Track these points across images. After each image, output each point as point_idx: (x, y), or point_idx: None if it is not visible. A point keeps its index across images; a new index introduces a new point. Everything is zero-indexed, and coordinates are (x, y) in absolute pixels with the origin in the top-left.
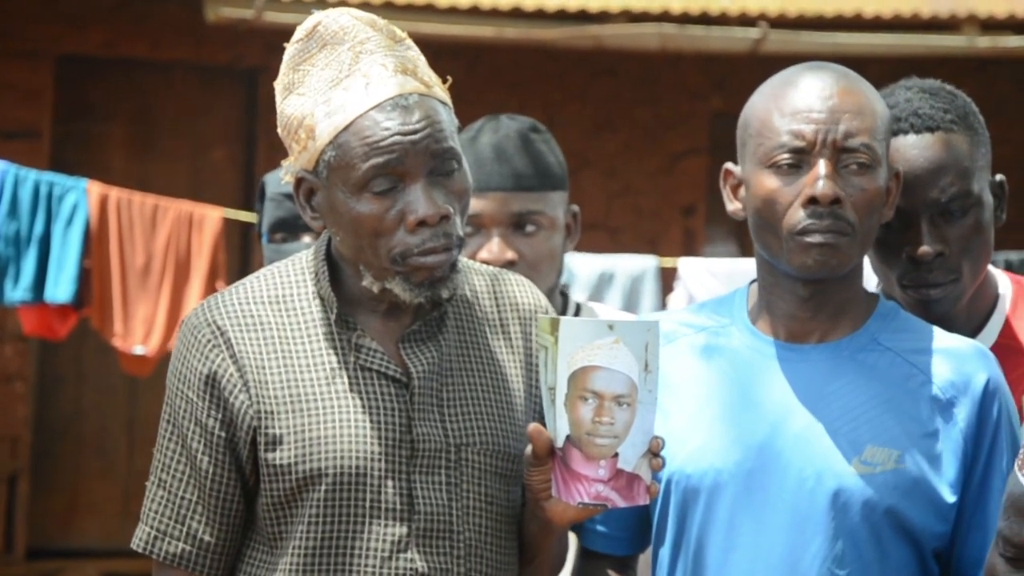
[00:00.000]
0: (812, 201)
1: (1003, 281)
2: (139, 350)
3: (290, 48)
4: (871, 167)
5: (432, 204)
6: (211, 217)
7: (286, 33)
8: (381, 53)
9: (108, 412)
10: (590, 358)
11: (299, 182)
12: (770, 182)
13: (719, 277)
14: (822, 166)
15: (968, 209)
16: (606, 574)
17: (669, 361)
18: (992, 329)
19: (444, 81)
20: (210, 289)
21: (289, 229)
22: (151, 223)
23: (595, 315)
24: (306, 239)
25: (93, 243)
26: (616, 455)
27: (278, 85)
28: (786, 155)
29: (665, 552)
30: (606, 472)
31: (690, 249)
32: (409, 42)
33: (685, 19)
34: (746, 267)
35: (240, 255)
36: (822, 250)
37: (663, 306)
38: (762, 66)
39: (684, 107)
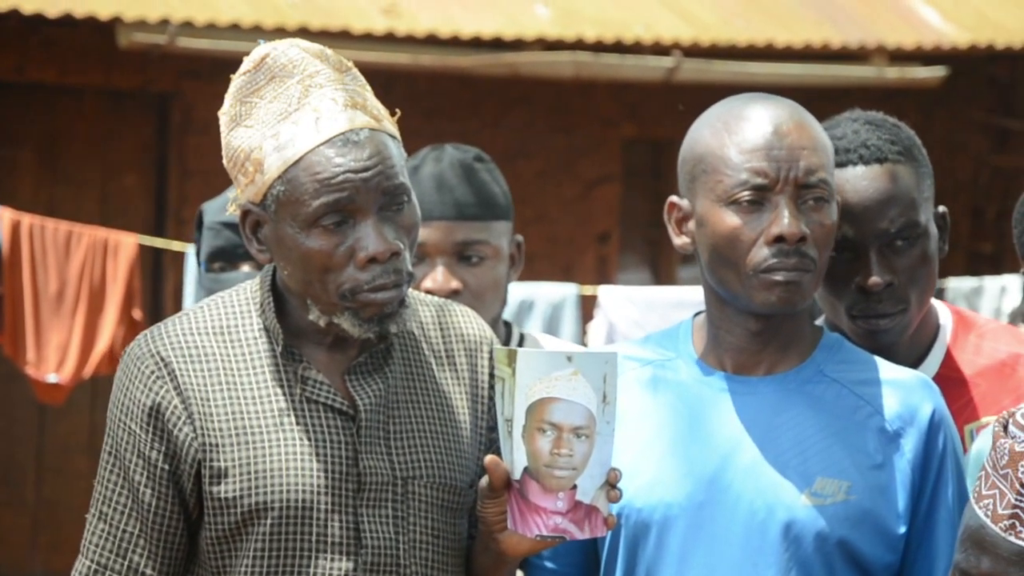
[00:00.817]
0: (778, 240)
1: (943, 312)
2: (52, 378)
3: (237, 79)
4: (828, 201)
5: (383, 241)
6: (126, 243)
7: (199, 59)
8: (331, 87)
9: (16, 441)
10: (548, 390)
11: (245, 214)
12: (731, 220)
13: (638, 305)
14: (784, 203)
15: (916, 240)
16: None
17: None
18: (934, 360)
19: (392, 113)
20: (126, 316)
21: (227, 258)
22: (65, 250)
23: (540, 346)
24: (245, 268)
25: (5, 270)
26: (575, 487)
27: (223, 116)
28: (747, 192)
29: None
30: (564, 504)
31: (604, 276)
32: (355, 72)
33: (600, 48)
34: (665, 295)
35: (152, 282)
36: (787, 288)
37: (583, 334)
38: (674, 94)
39: (597, 135)
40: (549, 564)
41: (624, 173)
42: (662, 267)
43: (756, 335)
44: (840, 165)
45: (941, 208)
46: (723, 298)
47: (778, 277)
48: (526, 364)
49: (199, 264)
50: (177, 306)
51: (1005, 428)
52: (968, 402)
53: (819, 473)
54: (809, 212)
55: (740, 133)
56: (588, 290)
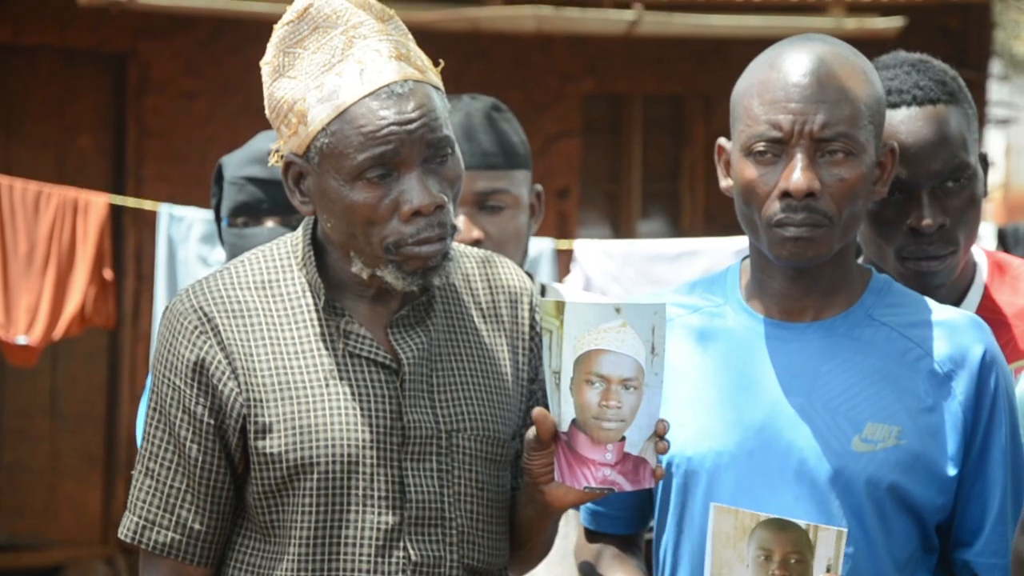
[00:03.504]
0: (786, 194)
1: (977, 253)
2: (22, 340)
3: (279, 29)
4: (851, 155)
5: (427, 194)
6: (96, 203)
7: (155, 17)
8: (375, 38)
9: None
10: (597, 342)
11: (288, 166)
12: (749, 171)
13: (615, 258)
14: (798, 157)
15: (966, 181)
16: (610, 553)
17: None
18: (972, 300)
19: (436, 64)
20: (96, 277)
21: (251, 213)
22: (34, 210)
23: (560, 296)
24: (269, 224)
25: None
26: (623, 439)
27: (265, 66)
28: (763, 144)
29: (669, 536)
30: (613, 456)
31: (564, 232)
32: (398, 21)
33: (561, 1)
34: (642, 248)
35: (112, 241)
36: (797, 243)
37: None
38: (634, 48)
39: (556, 90)
40: (602, 509)
41: (584, 128)
42: (622, 222)
43: (796, 281)
44: (892, 106)
45: (983, 151)
46: (758, 246)
47: (787, 233)
48: (574, 316)
49: (220, 219)
50: (139, 266)
51: None
52: (1009, 341)
53: (869, 418)
54: (828, 166)
55: (766, 83)
56: (563, 244)
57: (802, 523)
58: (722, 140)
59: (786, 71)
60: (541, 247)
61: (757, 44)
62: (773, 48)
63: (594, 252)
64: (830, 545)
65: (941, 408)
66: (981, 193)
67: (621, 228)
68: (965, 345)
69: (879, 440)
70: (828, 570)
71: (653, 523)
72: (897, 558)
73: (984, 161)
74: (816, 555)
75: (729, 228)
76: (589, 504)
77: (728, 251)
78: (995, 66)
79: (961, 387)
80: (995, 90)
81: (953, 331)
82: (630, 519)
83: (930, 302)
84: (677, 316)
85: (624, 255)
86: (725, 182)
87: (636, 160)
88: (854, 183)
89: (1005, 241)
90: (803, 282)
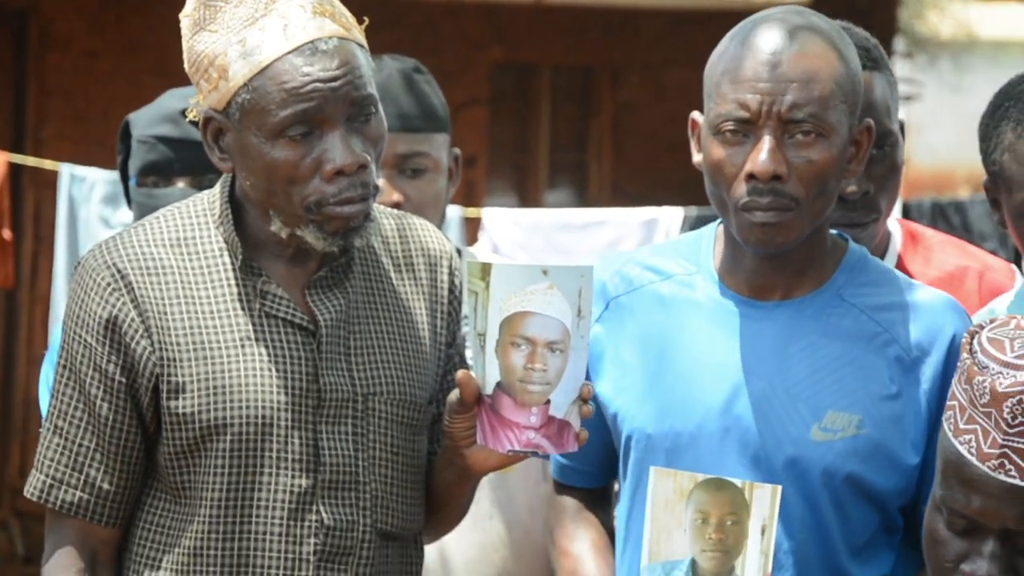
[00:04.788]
0: (753, 176)
1: (891, 221)
2: None
3: None
4: (820, 136)
5: (350, 153)
6: None
7: None
8: None
9: None
10: (523, 304)
11: (207, 121)
12: (717, 151)
13: (522, 227)
14: (766, 139)
15: (889, 149)
16: (576, 507)
17: (633, 310)
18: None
19: (360, 22)
20: None
21: (161, 173)
22: None
23: (474, 259)
24: (180, 184)
25: None
26: (548, 402)
27: (185, 19)
28: (731, 124)
29: (623, 508)
30: (537, 419)
31: (471, 201)
32: None
33: None
34: (550, 218)
35: (11, 201)
36: (764, 229)
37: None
38: (543, 17)
39: (464, 58)
40: (570, 463)
41: (491, 97)
42: (529, 192)
43: (767, 260)
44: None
45: (902, 118)
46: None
47: (755, 218)
48: (501, 277)
49: (128, 178)
50: (39, 227)
51: (971, 351)
52: None
53: (830, 406)
54: (796, 147)
55: (736, 60)
56: (471, 212)
57: (738, 482)
58: (695, 114)
59: (756, 49)
60: (449, 215)
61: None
62: (747, 22)
63: (502, 220)
64: (765, 503)
65: (906, 396)
66: (902, 161)
67: (528, 198)
68: (936, 329)
69: (838, 429)
70: (763, 531)
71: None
72: (853, 543)
73: (902, 129)
74: (751, 514)
75: (636, 199)
76: (558, 457)
77: (636, 222)
78: (899, 44)
79: (928, 373)
80: (899, 67)
81: (925, 314)
82: (598, 473)
83: (905, 281)
84: (649, 282)
85: (532, 224)
86: (697, 157)
87: (544, 130)
88: (823, 165)
89: (910, 215)
90: (774, 261)
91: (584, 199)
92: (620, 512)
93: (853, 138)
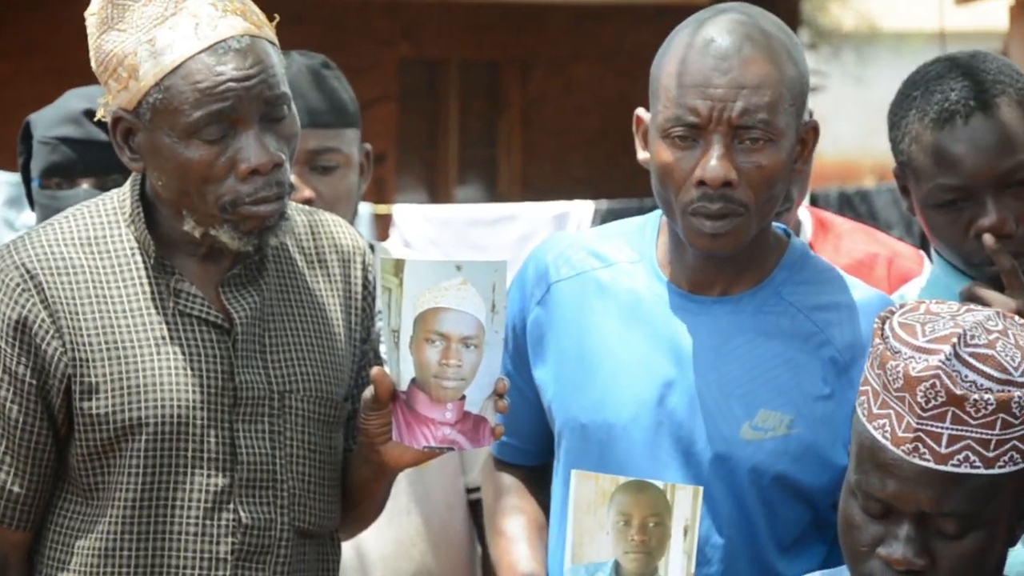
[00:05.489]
0: (702, 183)
1: (802, 212)
2: None
3: None
4: (770, 141)
5: (265, 152)
6: None
7: None
8: None
9: None
10: (437, 299)
11: (116, 121)
12: (665, 154)
13: (434, 223)
14: (715, 145)
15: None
16: (515, 485)
17: (572, 297)
18: None
19: (269, 19)
20: None
21: (65, 175)
22: None
23: (387, 255)
24: (84, 185)
25: None
26: (463, 398)
27: (92, 17)
28: (679, 129)
29: (557, 490)
30: (453, 415)
31: (381, 198)
32: None
33: None
34: (461, 213)
35: None
36: (714, 239)
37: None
38: (450, 13)
39: (372, 54)
40: (508, 440)
41: (400, 94)
42: (439, 188)
43: (710, 259)
44: None
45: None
46: None
47: (705, 227)
48: (414, 274)
49: (31, 180)
50: None
51: (883, 336)
52: None
53: (762, 405)
54: (746, 153)
55: (684, 62)
56: (382, 209)
57: (660, 483)
58: (640, 111)
59: (706, 53)
60: (359, 211)
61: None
62: (695, 22)
63: (413, 216)
64: (687, 504)
65: (838, 397)
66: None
67: (438, 194)
68: (870, 332)
69: (769, 428)
70: (685, 532)
71: None
72: (781, 540)
73: (810, 117)
74: (674, 516)
75: (545, 193)
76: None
77: (546, 216)
78: (803, 36)
79: (861, 376)
80: None
81: (861, 316)
82: (537, 452)
83: (845, 280)
84: (591, 268)
85: (443, 220)
86: (642, 155)
87: (453, 126)
88: (772, 170)
89: (817, 205)
90: (716, 258)
91: (494, 194)
92: (554, 495)
93: (799, 137)
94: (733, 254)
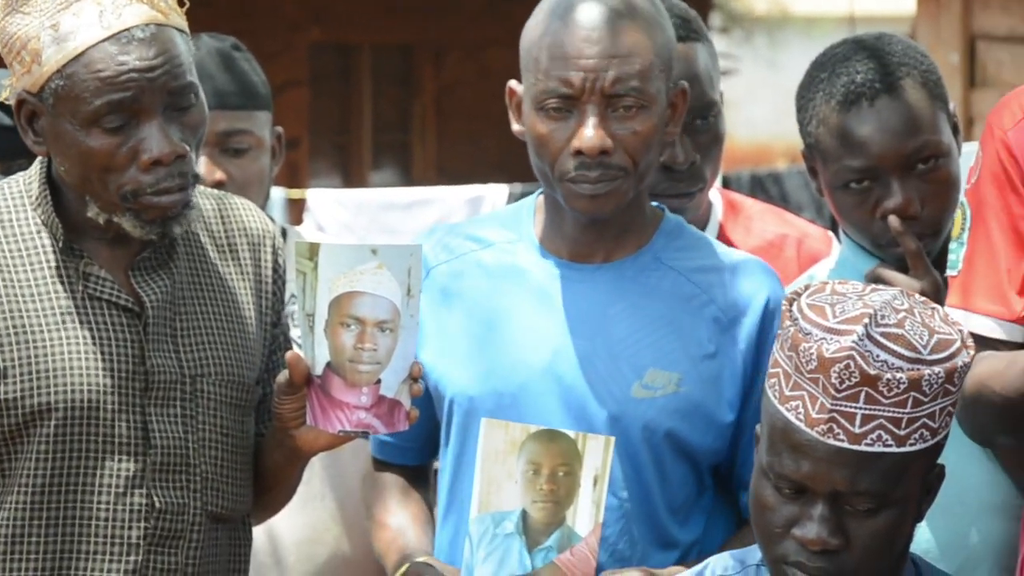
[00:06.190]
0: (580, 152)
1: (712, 191)
2: None
3: None
4: (643, 108)
5: (168, 143)
6: None
7: None
8: None
9: None
10: (352, 283)
11: (20, 104)
12: (540, 126)
13: (348, 207)
14: (590, 115)
15: (713, 119)
16: (395, 489)
17: (452, 278)
18: (708, 235)
19: (181, 5)
20: None
21: None
22: None
23: (302, 239)
24: None
25: None
26: (378, 381)
27: None
28: (554, 100)
29: (446, 474)
30: (368, 399)
31: (295, 183)
32: None
33: None
34: (375, 197)
35: None
36: (594, 200)
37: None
38: None
39: (283, 39)
40: (391, 440)
41: (311, 78)
42: (353, 172)
43: (589, 226)
44: (680, 39)
45: (720, 89)
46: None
47: (583, 190)
48: (329, 257)
49: None
50: None
51: (792, 318)
52: None
53: (651, 364)
54: (620, 120)
55: (554, 35)
56: (295, 193)
57: (571, 433)
58: (513, 83)
59: (576, 24)
60: (272, 196)
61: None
62: None
63: (327, 201)
64: (598, 454)
65: (722, 355)
66: (723, 131)
67: (352, 178)
68: (750, 292)
69: (659, 387)
70: (595, 481)
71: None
72: (672, 503)
73: (721, 99)
74: (584, 465)
75: (460, 177)
76: (378, 436)
77: (461, 200)
78: (715, 19)
79: (743, 334)
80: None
81: (739, 277)
82: (418, 450)
83: (719, 246)
84: (470, 251)
85: (357, 204)
86: (517, 126)
87: (366, 110)
88: (647, 134)
89: (729, 187)
90: (595, 227)
91: (409, 179)
92: (443, 480)
93: (670, 101)
94: (612, 215)
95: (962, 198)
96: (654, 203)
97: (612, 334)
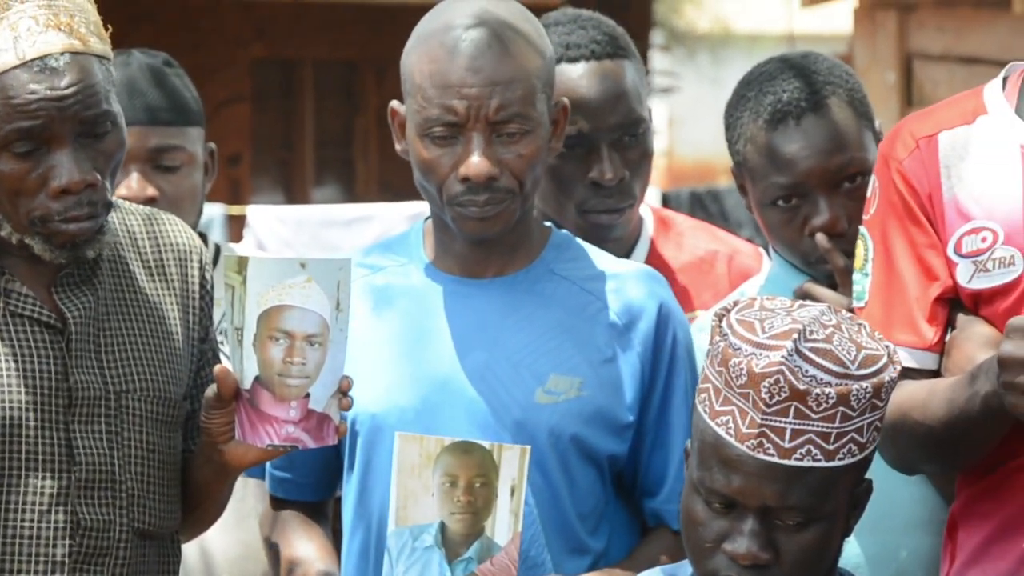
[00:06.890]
0: (467, 179)
1: (642, 207)
2: None
3: None
4: (527, 132)
5: (77, 171)
6: None
7: None
8: (33, 3)
9: None
10: (281, 297)
11: None
12: (425, 152)
13: (288, 224)
14: (475, 142)
15: (641, 135)
16: (295, 520)
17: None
18: (639, 253)
19: (110, 21)
20: None
21: None
22: None
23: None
24: None
25: None
26: (307, 395)
27: None
28: (439, 128)
29: (353, 496)
30: (297, 413)
31: (236, 199)
32: None
33: None
34: (315, 214)
35: None
36: (483, 223)
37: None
38: (305, 13)
39: (225, 54)
40: (288, 476)
41: (254, 94)
42: (295, 189)
43: (479, 244)
44: (570, 60)
45: (660, 109)
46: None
47: (471, 213)
48: (258, 271)
49: None
50: None
51: (722, 334)
52: (675, 295)
53: (552, 371)
54: (505, 145)
55: (436, 62)
56: (235, 210)
57: (486, 444)
58: (395, 104)
59: (457, 52)
60: (212, 213)
61: (428, 10)
62: (440, 14)
63: (267, 218)
64: (514, 464)
65: (620, 359)
66: (652, 147)
67: (295, 195)
68: (641, 298)
69: (561, 392)
70: (512, 491)
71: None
72: (580, 508)
73: (650, 116)
74: (500, 476)
75: (403, 194)
76: (275, 471)
77: (402, 216)
78: (657, 37)
79: (639, 338)
80: (657, 60)
81: (630, 283)
82: (317, 485)
83: (606, 256)
84: (361, 276)
85: (297, 220)
86: (400, 145)
87: (308, 126)
88: (532, 156)
89: (668, 206)
90: (486, 244)
91: (352, 194)
92: (347, 501)
93: (552, 119)
94: (501, 235)
95: (863, 230)
96: (589, 218)
97: (510, 344)
